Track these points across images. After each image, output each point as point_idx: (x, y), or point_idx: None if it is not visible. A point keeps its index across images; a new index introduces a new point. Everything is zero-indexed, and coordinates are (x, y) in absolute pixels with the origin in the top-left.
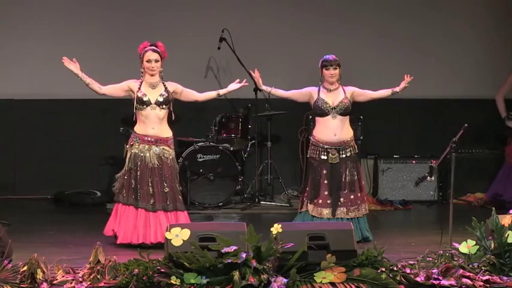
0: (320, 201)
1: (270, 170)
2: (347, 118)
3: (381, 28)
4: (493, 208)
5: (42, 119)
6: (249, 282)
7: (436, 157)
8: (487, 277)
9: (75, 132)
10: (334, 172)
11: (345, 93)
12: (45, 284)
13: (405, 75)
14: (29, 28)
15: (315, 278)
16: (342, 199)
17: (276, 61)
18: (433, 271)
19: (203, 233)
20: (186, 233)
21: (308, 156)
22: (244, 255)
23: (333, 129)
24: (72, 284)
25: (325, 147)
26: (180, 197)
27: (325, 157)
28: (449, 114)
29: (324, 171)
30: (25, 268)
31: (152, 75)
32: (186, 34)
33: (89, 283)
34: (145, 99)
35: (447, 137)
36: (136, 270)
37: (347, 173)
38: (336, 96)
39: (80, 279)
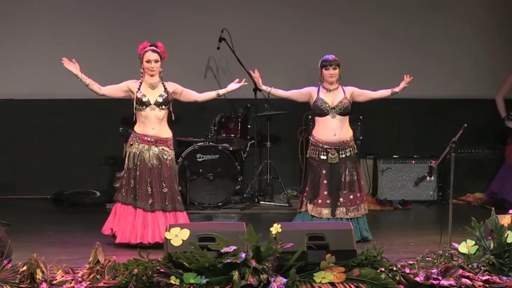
0: (319, 201)
1: (270, 170)
2: (346, 118)
3: (381, 28)
4: (493, 208)
5: (42, 119)
6: (249, 282)
7: (435, 157)
8: (486, 277)
9: (74, 132)
10: (333, 172)
11: (344, 93)
12: (44, 284)
13: (405, 76)
14: (29, 28)
15: (314, 278)
16: (341, 199)
17: (275, 61)
18: (433, 271)
19: (202, 233)
20: (185, 233)
21: (307, 156)
22: (243, 255)
23: (332, 129)
24: (72, 284)
25: (325, 147)
26: (179, 197)
27: (325, 157)
28: (449, 114)
29: (324, 171)
30: (24, 268)
31: (152, 75)
32: (186, 34)
33: (88, 283)
34: (144, 100)
35: (447, 137)
36: (136, 270)
37: (346, 173)
38: (335, 96)
39: (80, 279)
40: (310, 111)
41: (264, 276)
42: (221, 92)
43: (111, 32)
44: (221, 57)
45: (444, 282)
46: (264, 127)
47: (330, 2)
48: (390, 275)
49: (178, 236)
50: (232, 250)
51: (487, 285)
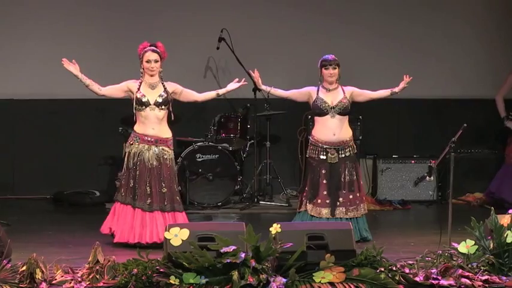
0: (319, 201)
1: (269, 170)
2: (346, 118)
3: (381, 28)
4: (492, 208)
5: (42, 119)
6: (248, 282)
7: (435, 157)
8: (486, 277)
9: (74, 132)
10: (333, 172)
11: (344, 93)
12: (44, 284)
13: (404, 76)
14: (29, 28)
15: (314, 277)
16: (340, 199)
17: (275, 61)
18: (432, 271)
19: (202, 233)
20: (185, 233)
21: (307, 156)
22: (243, 255)
23: (332, 129)
24: (71, 284)
25: (324, 147)
26: (178, 197)
27: (324, 157)
28: (449, 114)
29: (323, 171)
30: (24, 268)
31: (152, 75)
32: (186, 34)
33: (87, 283)
34: (144, 100)
35: (446, 137)
36: (135, 270)
37: (346, 172)
38: (335, 95)
39: (79, 279)
40: (310, 111)
41: (263, 276)
42: (221, 91)
43: (111, 32)
44: (221, 57)
45: (444, 282)
46: (264, 127)
47: (330, 2)
48: (390, 275)
49: (177, 236)
50: (231, 250)
51: (487, 285)
